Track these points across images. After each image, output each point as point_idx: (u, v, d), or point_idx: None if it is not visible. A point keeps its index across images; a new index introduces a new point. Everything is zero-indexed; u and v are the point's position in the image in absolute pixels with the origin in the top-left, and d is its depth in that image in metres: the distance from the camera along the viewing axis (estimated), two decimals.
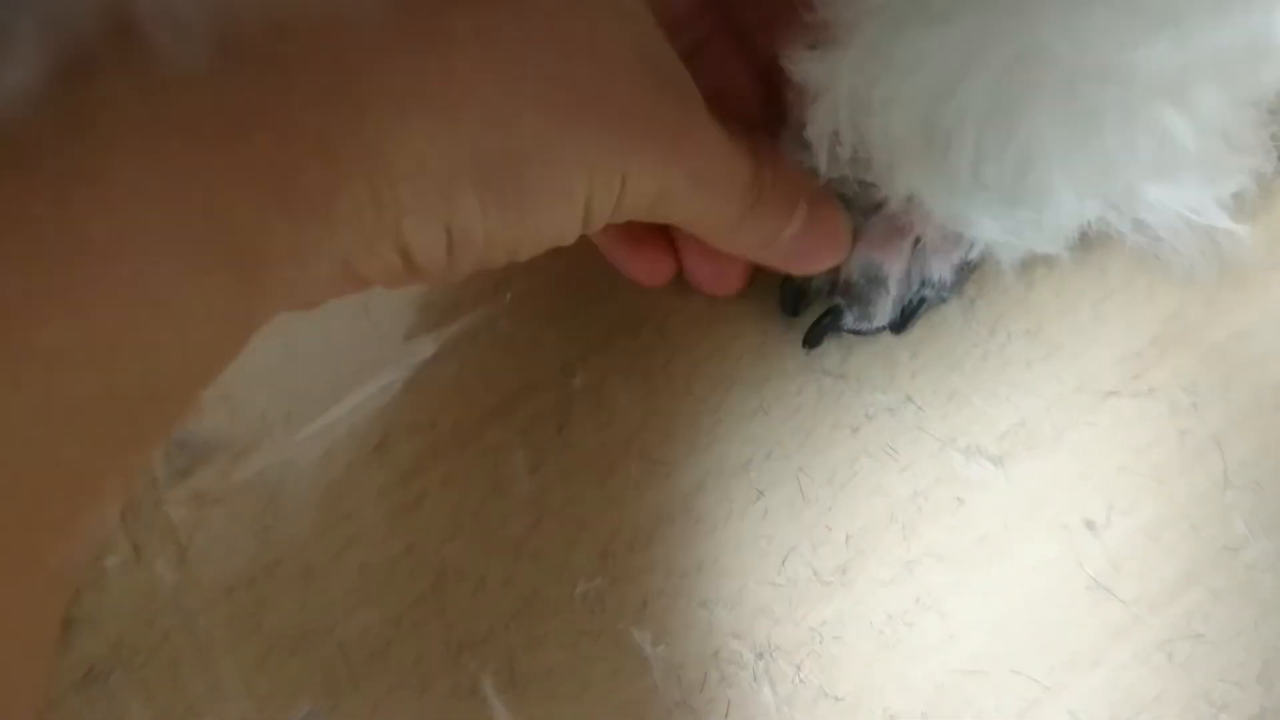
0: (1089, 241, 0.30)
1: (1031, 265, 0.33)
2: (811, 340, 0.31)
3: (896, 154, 0.26)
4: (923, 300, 0.30)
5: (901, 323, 0.31)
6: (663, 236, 0.31)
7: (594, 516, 0.31)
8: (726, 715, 0.28)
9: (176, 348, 0.18)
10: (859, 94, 0.25)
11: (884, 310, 0.30)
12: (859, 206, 0.30)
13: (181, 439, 0.32)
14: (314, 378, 0.33)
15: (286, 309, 0.21)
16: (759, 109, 0.30)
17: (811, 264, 0.30)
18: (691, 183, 0.25)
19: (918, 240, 0.30)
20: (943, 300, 0.31)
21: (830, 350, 0.32)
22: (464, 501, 0.31)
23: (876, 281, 0.30)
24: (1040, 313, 0.32)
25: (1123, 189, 0.26)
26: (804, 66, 0.25)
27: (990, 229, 0.27)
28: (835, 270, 0.30)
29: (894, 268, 0.30)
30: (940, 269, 0.30)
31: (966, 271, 0.31)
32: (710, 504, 0.30)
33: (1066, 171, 0.25)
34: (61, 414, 0.16)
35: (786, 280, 0.31)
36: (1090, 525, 0.29)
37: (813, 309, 0.32)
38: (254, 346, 0.33)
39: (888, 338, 0.32)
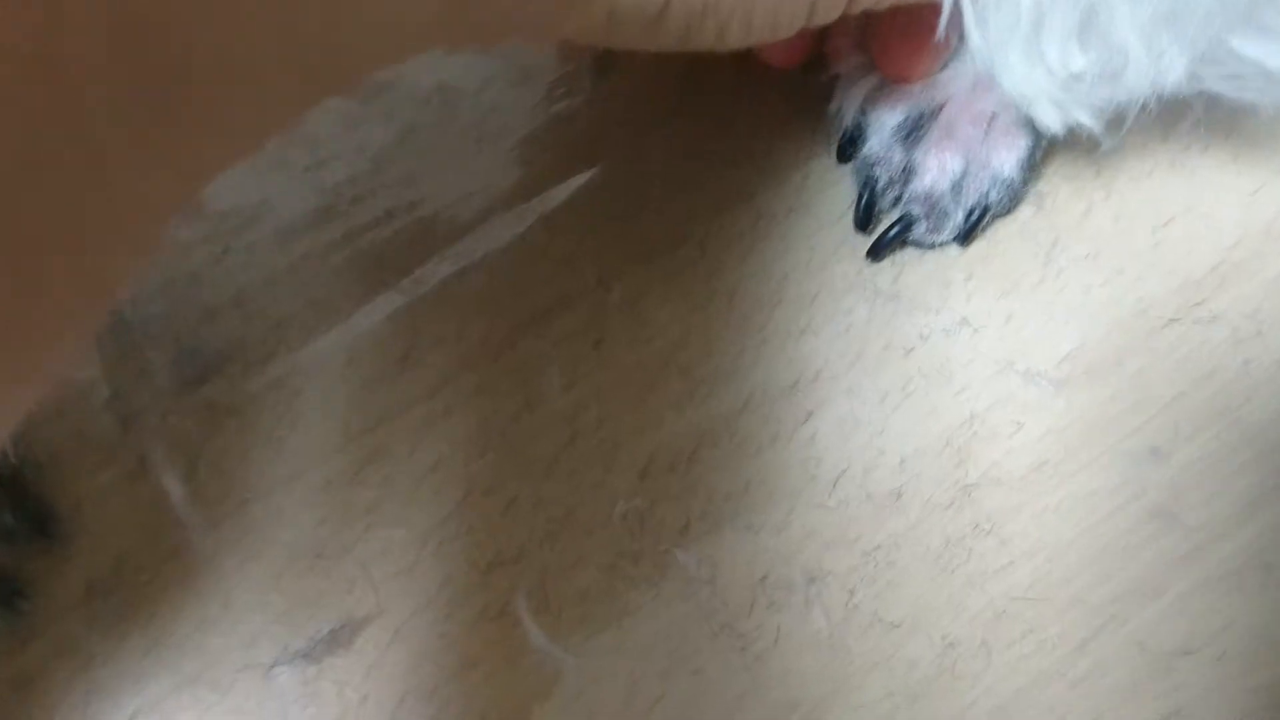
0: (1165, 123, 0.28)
1: (1088, 189, 0.32)
2: (877, 250, 0.30)
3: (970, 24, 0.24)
4: (987, 209, 0.29)
5: (966, 233, 0.29)
6: None
7: (632, 436, 0.29)
8: (776, 641, 0.27)
9: None
10: None
11: (953, 220, 0.29)
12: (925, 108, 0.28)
13: (191, 347, 0.30)
14: (334, 285, 0.31)
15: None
16: None
17: None
18: None
19: (986, 131, 0.28)
20: (1008, 208, 0.30)
21: (882, 270, 0.31)
22: (494, 417, 0.29)
23: (948, 183, 0.29)
24: (1098, 237, 0.31)
25: (1208, 42, 0.24)
26: None
27: (1063, 103, 0.25)
28: (906, 180, 0.29)
29: (965, 162, 0.28)
30: (1008, 162, 0.29)
31: (1033, 168, 0.30)
32: (755, 425, 0.29)
33: (1138, 22, 0.23)
34: None
35: (862, 196, 0.30)
36: (1153, 452, 0.28)
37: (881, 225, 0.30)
38: (269, 251, 0.32)
39: (942, 257, 0.31)
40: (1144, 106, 0.25)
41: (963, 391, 0.29)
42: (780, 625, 0.27)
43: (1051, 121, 0.26)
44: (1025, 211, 0.31)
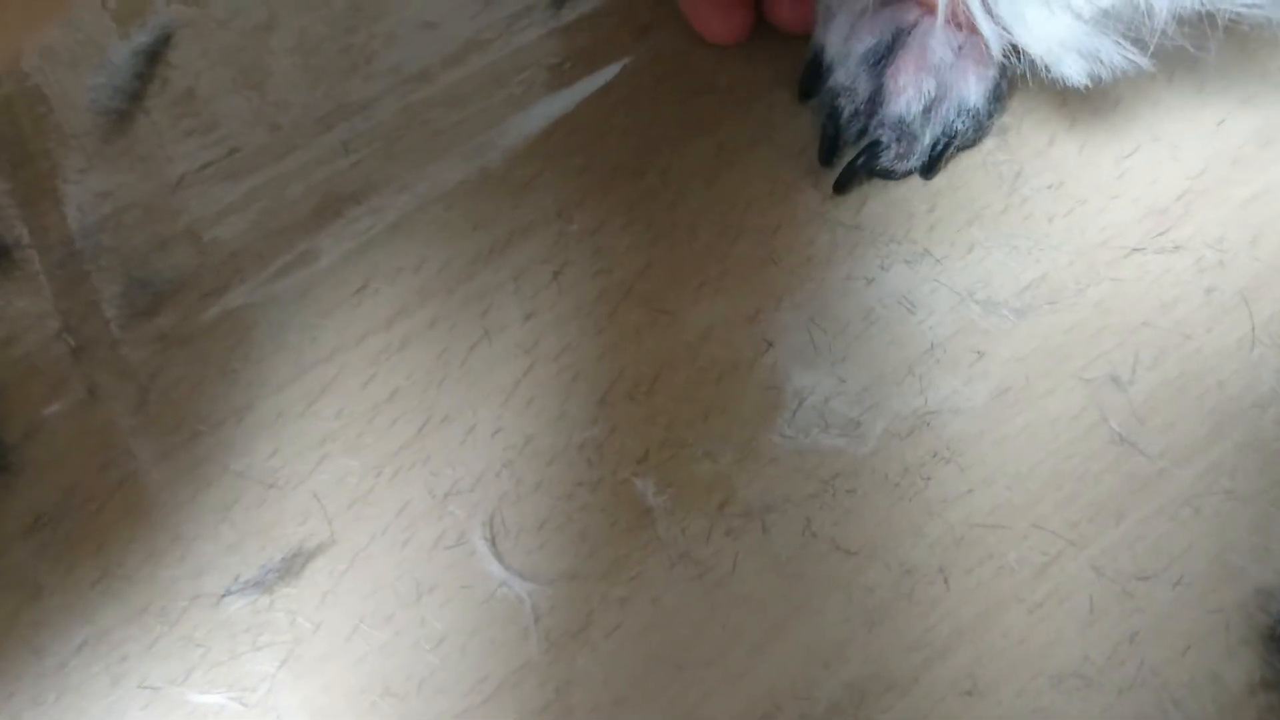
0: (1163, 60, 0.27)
1: (1052, 120, 0.31)
2: (843, 182, 0.29)
3: None
4: (953, 138, 0.29)
5: (932, 164, 0.29)
6: None
7: (591, 365, 0.29)
8: (734, 569, 0.26)
9: None
10: None
11: (920, 145, 0.29)
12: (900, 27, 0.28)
13: (142, 278, 0.30)
14: (290, 216, 0.30)
15: None
16: None
17: None
18: None
19: (958, 56, 0.28)
20: (973, 139, 0.29)
21: (845, 201, 0.30)
22: (452, 347, 0.29)
23: (919, 109, 0.28)
24: (1061, 168, 0.31)
25: None
26: None
27: (1054, 28, 0.25)
28: (873, 108, 0.29)
29: (934, 82, 0.28)
30: (975, 91, 0.28)
31: (998, 101, 0.29)
32: (716, 353, 0.29)
33: None
34: None
35: (825, 125, 0.29)
36: (1115, 380, 0.28)
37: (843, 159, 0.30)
38: (223, 182, 0.31)
39: (904, 189, 0.30)
40: (1164, 33, 0.25)
41: (924, 321, 0.29)
42: (738, 553, 0.26)
43: (1077, 73, 0.26)
44: (988, 143, 0.31)
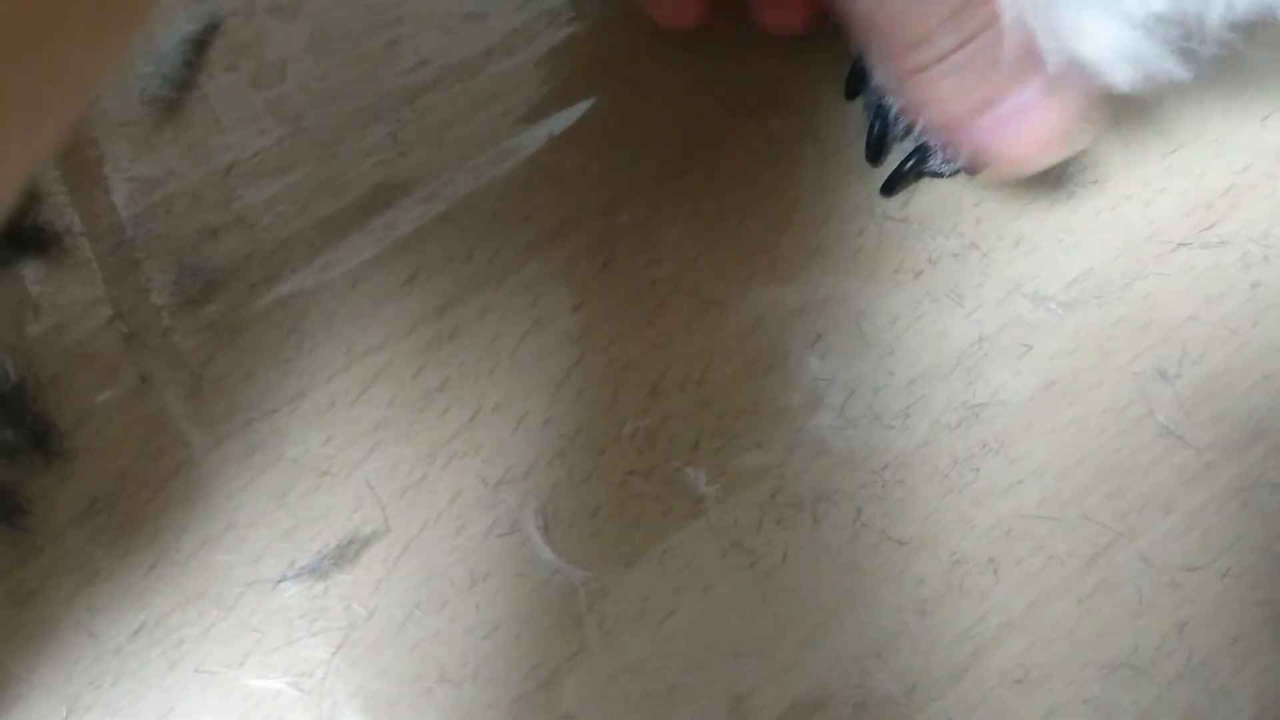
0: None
1: (1096, 113, 0.31)
2: (891, 185, 0.29)
3: None
4: None
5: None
6: None
7: (642, 355, 0.29)
8: (784, 558, 0.27)
9: None
10: None
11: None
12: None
13: (193, 266, 0.30)
14: (340, 205, 0.31)
15: None
16: None
17: None
18: None
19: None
20: None
21: (895, 194, 0.30)
22: (502, 336, 0.29)
23: None
24: (1107, 163, 0.31)
25: None
26: None
27: (1108, 36, 0.25)
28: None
29: None
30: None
31: None
32: (766, 344, 0.29)
33: None
34: None
35: (873, 128, 0.30)
36: (1162, 374, 0.28)
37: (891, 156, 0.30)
38: (274, 171, 0.31)
39: (951, 183, 0.30)
40: (1216, 39, 0.25)
41: (972, 314, 0.29)
42: (789, 542, 0.27)
43: (1128, 81, 0.26)
44: None
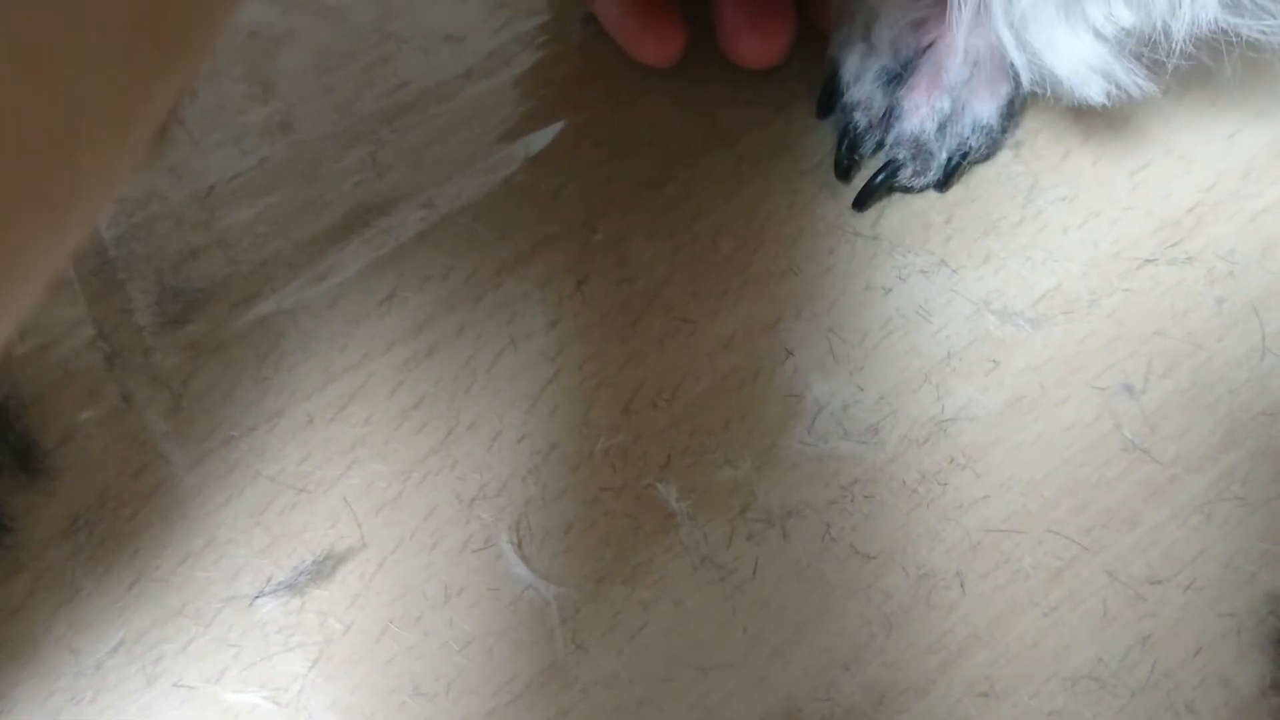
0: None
1: (1067, 134, 0.32)
2: (863, 200, 0.30)
3: None
4: (967, 153, 0.29)
5: (947, 178, 0.30)
6: (672, 6, 0.29)
7: (615, 373, 0.29)
8: (754, 573, 0.27)
9: None
10: None
11: (937, 161, 0.29)
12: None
13: (175, 286, 0.30)
14: (319, 226, 0.31)
15: None
16: None
17: None
18: None
19: (972, 74, 0.29)
20: (987, 154, 0.30)
21: (863, 212, 0.31)
22: (478, 354, 0.30)
23: (934, 127, 0.29)
24: (1076, 180, 0.31)
25: None
26: None
27: (1079, 50, 0.25)
28: (888, 124, 0.29)
29: (949, 101, 0.29)
30: (988, 107, 0.29)
31: (1011, 117, 0.30)
32: (737, 362, 0.29)
33: None
34: None
35: (842, 142, 0.30)
36: (1128, 388, 0.29)
37: (861, 173, 0.31)
38: (253, 192, 0.32)
39: (921, 201, 0.31)
40: (1181, 53, 0.25)
41: (940, 330, 0.29)
42: (759, 557, 0.27)
43: (1098, 93, 0.26)
44: (1004, 156, 0.31)
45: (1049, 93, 0.28)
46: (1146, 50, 0.27)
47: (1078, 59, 0.26)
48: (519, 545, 0.27)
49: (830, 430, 0.28)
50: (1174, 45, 0.26)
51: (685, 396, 0.29)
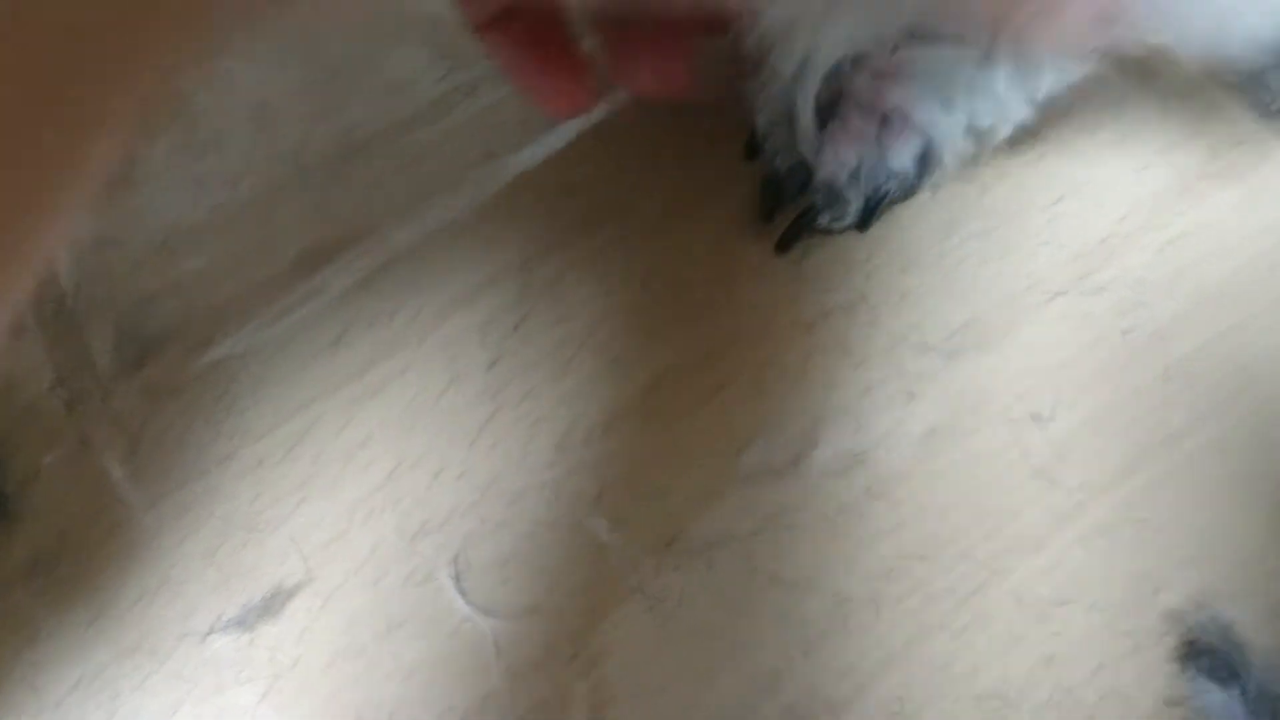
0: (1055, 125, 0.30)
1: (983, 172, 0.33)
2: (785, 243, 0.31)
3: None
4: (885, 195, 0.31)
5: (866, 219, 0.31)
6: (576, 56, 0.28)
7: (551, 409, 0.31)
8: (680, 602, 0.29)
9: None
10: None
11: (854, 207, 0.31)
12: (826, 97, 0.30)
13: (132, 332, 0.32)
14: (270, 271, 0.32)
15: None
16: None
17: None
18: None
19: (882, 127, 0.30)
20: (904, 196, 0.31)
21: (788, 252, 0.32)
22: (421, 393, 0.31)
23: (846, 175, 0.30)
24: (991, 216, 0.33)
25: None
26: None
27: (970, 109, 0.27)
28: (807, 171, 0.31)
29: (860, 156, 0.30)
30: (902, 155, 0.30)
31: (927, 164, 0.31)
32: (667, 399, 0.31)
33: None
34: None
35: (764, 186, 0.32)
36: (1036, 418, 0.30)
37: (784, 215, 0.32)
38: (207, 238, 0.33)
39: (844, 240, 0.32)
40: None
41: (859, 365, 0.31)
42: (684, 587, 0.29)
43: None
44: (922, 195, 0.33)
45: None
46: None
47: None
48: (458, 579, 0.29)
49: (754, 463, 0.30)
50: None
51: (617, 432, 0.30)
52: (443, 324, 0.32)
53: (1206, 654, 0.27)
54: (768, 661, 0.28)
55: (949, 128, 0.28)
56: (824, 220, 0.31)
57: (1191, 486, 0.29)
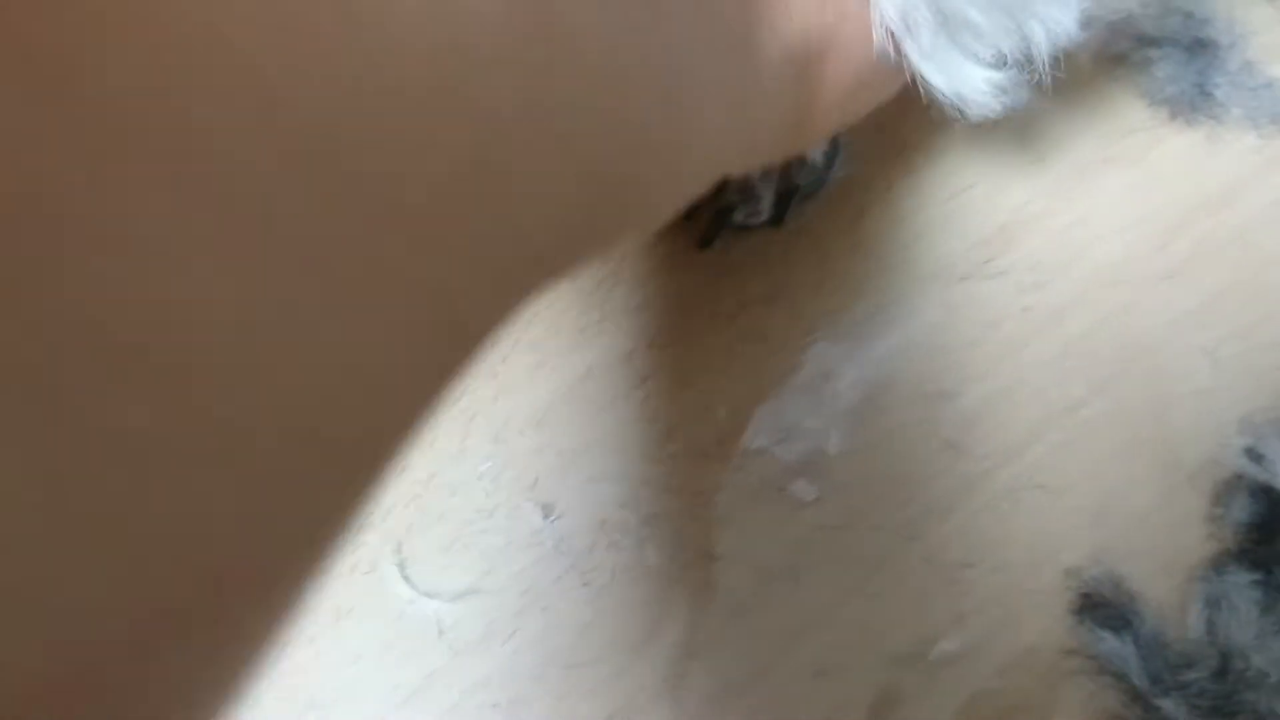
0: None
1: (890, 167, 0.35)
2: (706, 239, 0.33)
3: None
4: (796, 188, 0.33)
5: (780, 213, 0.33)
6: None
7: (487, 404, 0.32)
8: (613, 577, 0.30)
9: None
10: None
11: (766, 202, 0.33)
12: None
13: None
14: None
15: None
16: None
17: None
18: None
19: None
20: (814, 188, 0.33)
21: (710, 249, 0.34)
22: None
23: (758, 170, 0.32)
24: (900, 207, 0.35)
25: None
26: None
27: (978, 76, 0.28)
28: None
29: None
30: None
31: (835, 155, 0.33)
32: (596, 390, 0.32)
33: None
34: None
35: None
36: (945, 393, 0.32)
37: (704, 213, 0.34)
38: None
39: (762, 235, 0.34)
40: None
41: (777, 352, 0.33)
42: (616, 563, 0.30)
43: (997, 107, 0.29)
44: (835, 190, 0.35)
45: (959, 111, 0.31)
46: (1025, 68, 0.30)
47: (979, 79, 0.29)
48: (402, 566, 0.30)
49: (681, 446, 0.32)
50: (1040, 64, 0.29)
51: (550, 423, 0.32)
52: None
53: (1102, 606, 0.28)
54: (695, 631, 0.30)
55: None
56: (740, 216, 0.33)
57: (1089, 453, 0.31)
